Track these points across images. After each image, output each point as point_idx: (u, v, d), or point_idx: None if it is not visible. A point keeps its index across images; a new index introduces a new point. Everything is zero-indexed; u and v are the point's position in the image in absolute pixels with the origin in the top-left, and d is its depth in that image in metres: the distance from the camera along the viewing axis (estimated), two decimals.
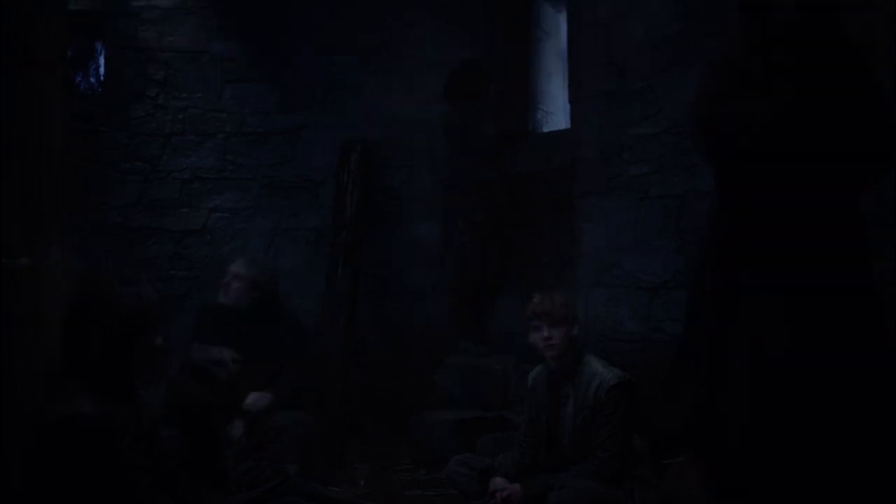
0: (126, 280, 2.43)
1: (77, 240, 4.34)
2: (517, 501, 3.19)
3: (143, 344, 2.34)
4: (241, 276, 4.32)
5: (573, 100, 4.89)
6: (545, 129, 5.86)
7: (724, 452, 2.01)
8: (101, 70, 5.63)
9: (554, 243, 4.99)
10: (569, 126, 5.11)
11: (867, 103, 2.00)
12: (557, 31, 5.97)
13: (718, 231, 2.17)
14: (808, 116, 1.98)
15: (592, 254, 4.50)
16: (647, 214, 4.19)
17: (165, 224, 5.53)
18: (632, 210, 4.24)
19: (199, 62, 5.61)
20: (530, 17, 5.91)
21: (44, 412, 2.17)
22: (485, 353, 5.06)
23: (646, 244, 4.17)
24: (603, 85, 4.46)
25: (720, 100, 2.12)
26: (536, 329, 3.30)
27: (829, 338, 1.95)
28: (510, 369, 4.77)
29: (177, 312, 4.94)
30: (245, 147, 5.65)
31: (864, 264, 2.03)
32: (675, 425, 2.25)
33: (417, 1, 5.58)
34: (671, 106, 4.03)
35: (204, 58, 5.61)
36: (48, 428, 2.16)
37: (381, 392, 5.27)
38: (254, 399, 3.92)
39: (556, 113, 5.89)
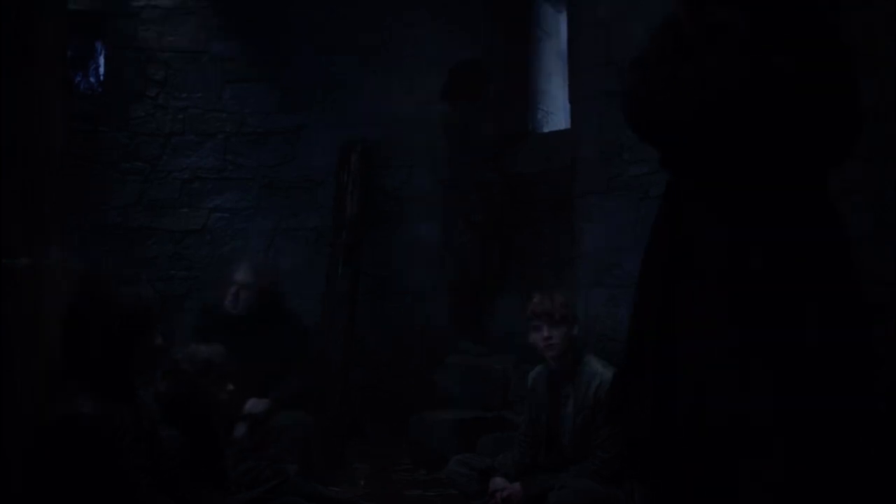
0: (126, 280, 2.44)
1: (77, 240, 4.34)
2: (517, 501, 3.20)
3: (143, 344, 2.34)
4: (249, 286, 4.29)
5: (573, 100, 4.88)
6: (545, 129, 5.85)
7: (664, 478, 1.77)
8: (101, 70, 5.62)
9: (554, 243, 4.99)
10: (569, 126, 5.10)
11: (820, 66, 1.66)
12: (557, 31, 5.97)
13: (660, 231, 1.83)
14: (746, 81, 1.64)
15: (592, 254, 4.49)
16: (647, 214, 4.15)
17: (165, 224, 5.53)
18: (632, 210, 4.23)
19: (199, 62, 5.60)
20: (530, 17, 5.90)
21: (44, 412, 2.18)
22: (485, 353, 5.05)
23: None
24: (603, 85, 4.45)
25: (649, 66, 1.79)
26: (536, 329, 3.30)
27: (799, 378, 1.63)
28: (510, 369, 4.76)
29: (177, 312, 4.95)
30: (245, 147, 5.65)
31: (842, 266, 1.71)
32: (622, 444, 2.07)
33: (417, 1, 5.57)
34: None
35: (204, 58, 5.60)
36: (48, 428, 2.16)
37: (381, 392, 5.27)
38: (251, 405, 3.92)
39: (556, 113, 5.89)
